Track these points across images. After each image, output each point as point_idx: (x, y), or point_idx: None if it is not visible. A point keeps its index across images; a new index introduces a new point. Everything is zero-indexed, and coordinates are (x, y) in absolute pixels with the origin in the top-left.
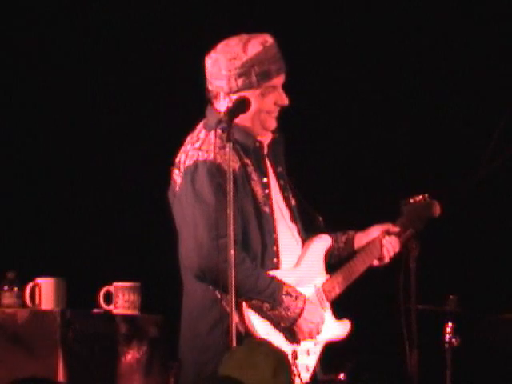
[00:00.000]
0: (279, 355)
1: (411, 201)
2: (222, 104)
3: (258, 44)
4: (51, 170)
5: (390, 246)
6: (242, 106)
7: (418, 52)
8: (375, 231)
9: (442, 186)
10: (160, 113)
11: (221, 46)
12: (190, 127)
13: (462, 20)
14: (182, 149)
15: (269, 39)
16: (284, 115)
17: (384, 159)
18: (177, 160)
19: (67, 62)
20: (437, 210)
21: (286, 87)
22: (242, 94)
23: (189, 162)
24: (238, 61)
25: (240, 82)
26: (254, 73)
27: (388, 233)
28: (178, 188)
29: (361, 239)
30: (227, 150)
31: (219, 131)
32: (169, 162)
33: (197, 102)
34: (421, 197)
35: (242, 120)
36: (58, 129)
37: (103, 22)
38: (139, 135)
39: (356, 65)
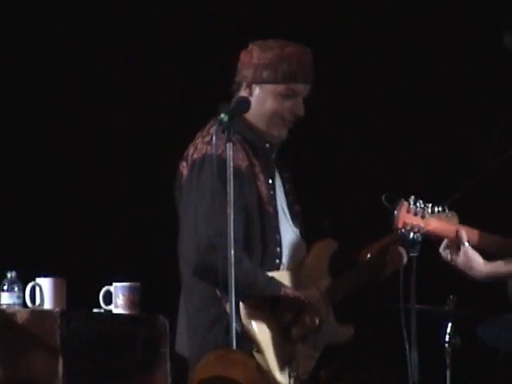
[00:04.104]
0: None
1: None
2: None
3: (295, 46)
4: (51, 169)
5: (396, 254)
6: (241, 105)
7: (418, 52)
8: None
9: (442, 186)
10: (160, 113)
11: (260, 41)
12: (191, 129)
13: (462, 20)
14: (192, 142)
15: (308, 50)
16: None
17: (384, 159)
18: (185, 153)
19: (67, 62)
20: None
21: None
22: (265, 86)
23: (197, 155)
24: (269, 53)
25: (265, 73)
26: (281, 68)
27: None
28: (184, 180)
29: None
30: (233, 148)
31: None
32: (169, 162)
33: (200, 102)
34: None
35: (256, 120)
36: (58, 129)
37: (103, 22)
38: (139, 135)
39: (356, 65)
